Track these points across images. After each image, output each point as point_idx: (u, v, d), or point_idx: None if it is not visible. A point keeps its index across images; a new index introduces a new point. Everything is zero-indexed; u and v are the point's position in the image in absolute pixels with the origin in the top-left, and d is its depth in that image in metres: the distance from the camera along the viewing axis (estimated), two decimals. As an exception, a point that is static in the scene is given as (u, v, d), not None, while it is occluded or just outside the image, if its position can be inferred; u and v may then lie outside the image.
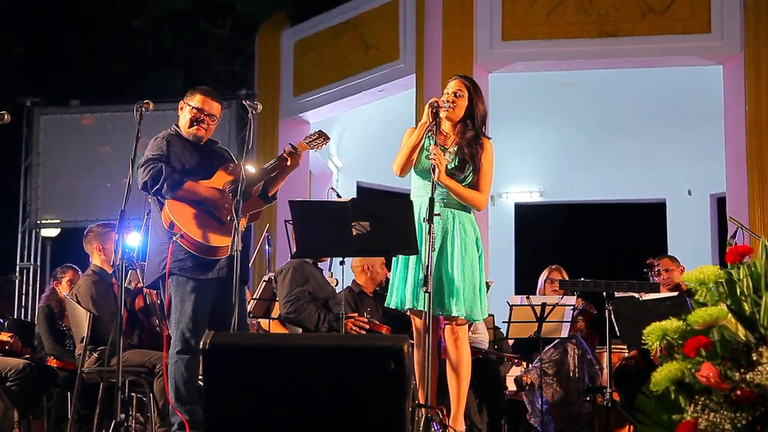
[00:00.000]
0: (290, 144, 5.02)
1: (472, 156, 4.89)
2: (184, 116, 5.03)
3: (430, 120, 4.81)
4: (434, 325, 4.79)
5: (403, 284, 4.87)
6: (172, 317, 4.84)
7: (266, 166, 5.03)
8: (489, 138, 5.00)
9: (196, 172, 4.92)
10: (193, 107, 4.99)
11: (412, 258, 4.83)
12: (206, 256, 4.77)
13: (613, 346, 6.16)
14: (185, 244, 4.75)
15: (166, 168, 4.81)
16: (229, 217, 4.67)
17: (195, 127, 4.99)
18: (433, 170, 4.70)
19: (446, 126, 4.97)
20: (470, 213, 4.95)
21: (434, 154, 4.72)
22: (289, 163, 4.96)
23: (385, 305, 5.07)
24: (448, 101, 4.89)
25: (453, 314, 4.78)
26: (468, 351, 4.94)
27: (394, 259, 4.97)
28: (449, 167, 4.86)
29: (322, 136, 5.12)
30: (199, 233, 4.74)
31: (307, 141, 5.10)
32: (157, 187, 4.78)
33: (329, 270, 6.75)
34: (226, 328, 4.59)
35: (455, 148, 4.93)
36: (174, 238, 4.74)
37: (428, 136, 4.90)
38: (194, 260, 4.79)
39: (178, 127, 5.05)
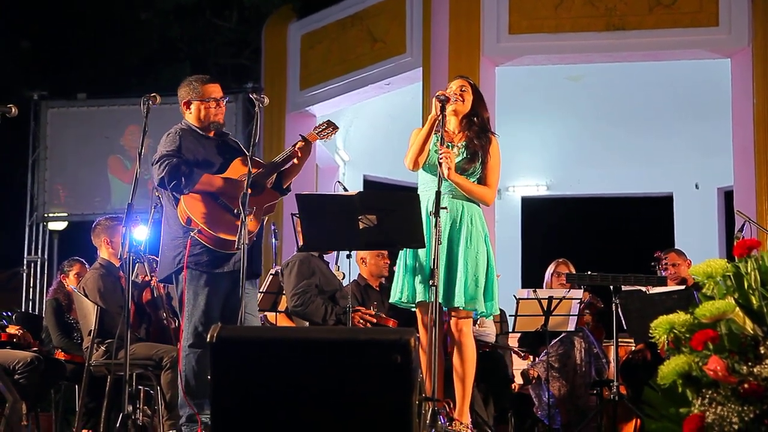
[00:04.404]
0: (300, 135, 5.02)
1: (481, 148, 4.93)
2: (199, 112, 4.99)
3: (438, 113, 4.81)
4: (440, 319, 4.80)
5: (412, 278, 4.88)
6: (186, 311, 4.84)
7: (277, 159, 5.04)
8: (495, 134, 5.03)
9: (209, 165, 4.92)
10: (208, 100, 4.97)
11: (421, 252, 4.83)
12: (223, 250, 4.77)
13: (620, 340, 6.15)
14: (203, 239, 4.76)
15: (181, 162, 4.80)
16: (236, 211, 4.67)
17: (216, 116, 4.99)
18: (440, 164, 4.71)
19: (452, 123, 4.99)
20: (479, 206, 4.97)
21: (444, 153, 4.73)
22: (300, 155, 4.96)
23: (391, 301, 5.07)
24: (455, 94, 4.91)
25: (453, 305, 4.80)
26: (473, 345, 4.94)
27: (400, 253, 4.97)
28: (458, 160, 4.87)
29: (331, 126, 5.12)
30: (215, 228, 4.74)
31: (316, 131, 5.10)
32: (175, 182, 4.76)
33: (336, 263, 6.76)
34: (233, 322, 4.59)
35: (464, 143, 4.95)
36: (192, 234, 4.74)
37: (435, 131, 4.93)
38: (209, 254, 4.79)
39: (188, 122, 5.04)
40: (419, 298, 4.85)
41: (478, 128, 4.97)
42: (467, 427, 4.84)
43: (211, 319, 4.78)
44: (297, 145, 4.94)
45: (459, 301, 4.78)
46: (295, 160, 4.97)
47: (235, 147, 5.12)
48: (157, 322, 6.18)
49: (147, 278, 6.22)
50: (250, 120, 10.49)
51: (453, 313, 4.90)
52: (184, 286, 4.82)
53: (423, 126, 4.98)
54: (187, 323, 4.83)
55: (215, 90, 5.00)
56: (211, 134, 5.04)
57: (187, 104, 5.03)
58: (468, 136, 4.95)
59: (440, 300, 4.75)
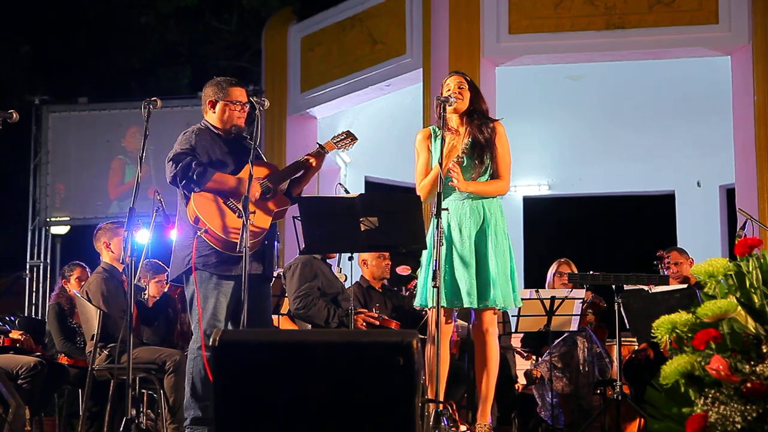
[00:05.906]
0: (318, 143, 5.04)
1: (486, 141, 4.92)
2: (223, 113, 4.99)
3: (440, 111, 4.83)
4: (447, 320, 4.82)
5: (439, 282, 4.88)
6: (194, 313, 4.82)
7: (291, 166, 5.06)
8: (499, 120, 5.03)
9: (224, 166, 4.89)
10: (235, 102, 4.98)
11: (443, 256, 4.82)
12: (230, 252, 4.73)
13: (622, 339, 6.15)
14: (209, 240, 4.73)
15: (194, 160, 4.78)
16: (237, 214, 4.67)
17: (238, 119, 5.00)
18: (440, 164, 4.72)
19: (454, 121, 4.98)
20: (497, 199, 4.97)
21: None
22: (314, 163, 4.98)
23: (415, 305, 5.08)
24: (453, 94, 4.91)
25: (490, 305, 4.79)
26: (497, 345, 4.95)
27: (423, 258, 4.96)
28: (466, 165, 4.87)
29: (350, 137, 5.14)
30: (223, 229, 4.71)
31: (334, 141, 5.12)
32: (186, 180, 4.74)
33: (338, 265, 6.77)
34: (249, 324, 4.58)
35: (469, 139, 4.93)
36: (198, 233, 4.73)
37: (439, 129, 4.94)
38: (218, 256, 4.76)
39: (208, 122, 5.03)
40: (451, 303, 4.84)
41: (479, 121, 4.97)
42: (489, 428, 4.87)
43: (220, 323, 4.77)
44: (312, 153, 4.97)
45: (497, 302, 4.78)
46: (313, 162, 4.97)
47: (250, 150, 5.11)
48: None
49: (145, 281, 6.25)
50: (250, 122, 10.46)
51: (481, 312, 4.88)
52: (195, 287, 4.79)
53: (423, 126, 4.99)
54: (196, 326, 4.82)
55: (241, 94, 5.03)
56: (231, 136, 5.02)
57: (213, 104, 5.02)
58: (471, 132, 4.96)
59: (471, 302, 4.76)
